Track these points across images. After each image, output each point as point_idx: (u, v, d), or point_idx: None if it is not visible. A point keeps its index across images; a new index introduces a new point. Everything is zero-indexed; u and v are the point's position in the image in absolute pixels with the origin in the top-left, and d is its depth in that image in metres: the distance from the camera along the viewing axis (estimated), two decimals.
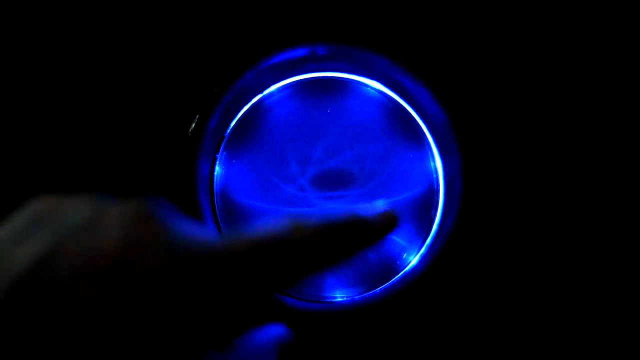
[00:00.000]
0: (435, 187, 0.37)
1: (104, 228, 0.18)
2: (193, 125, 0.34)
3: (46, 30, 0.37)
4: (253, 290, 0.19)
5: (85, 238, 0.17)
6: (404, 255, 0.36)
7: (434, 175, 0.37)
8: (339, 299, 0.35)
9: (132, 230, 0.18)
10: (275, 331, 0.26)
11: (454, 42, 0.36)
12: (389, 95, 0.37)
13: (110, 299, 0.16)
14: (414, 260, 0.36)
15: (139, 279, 0.17)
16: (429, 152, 0.37)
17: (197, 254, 0.18)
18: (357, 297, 0.35)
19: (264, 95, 0.37)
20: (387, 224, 0.25)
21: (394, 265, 0.36)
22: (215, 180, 0.36)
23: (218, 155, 0.36)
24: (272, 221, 0.20)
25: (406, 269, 0.36)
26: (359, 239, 0.23)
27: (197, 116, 0.34)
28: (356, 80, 0.37)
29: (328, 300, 0.35)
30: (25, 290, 0.16)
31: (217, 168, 0.36)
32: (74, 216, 0.18)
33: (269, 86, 0.36)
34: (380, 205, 0.26)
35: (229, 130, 0.37)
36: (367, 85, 0.37)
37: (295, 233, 0.20)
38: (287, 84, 0.37)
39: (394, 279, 0.36)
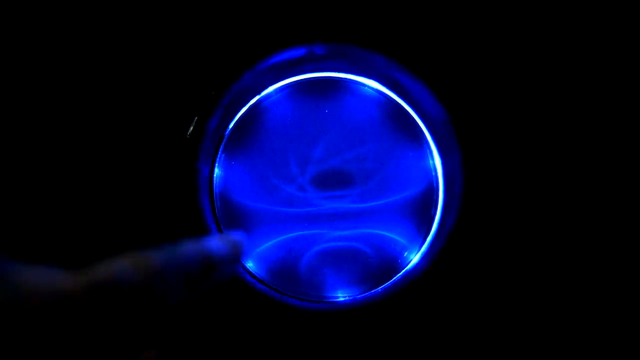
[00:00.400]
0: (435, 185, 0.37)
1: None
2: (192, 127, 0.34)
3: (45, 33, 0.37)
4: (89, 332, 0.19)
5: None
6: (405, 254, 0.36)
7: (434, 174, 0.37)
8: (341, 299, 0.35)
9: None
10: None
11: (452, 40, 0.36)
12: (387, 95, 0.37)
13: None
14: (415, 258, 0.36)
15: None
16: (428, 151, 0.37)
17: (27, 298, 0.18)
18: (358, 296, 0.35)
19: (262, 97, 0.37)
20: (232, 255, 0.25)
21: (395, 263, 0.36)
22: (215, 181, 0.36)
23: (217, 157, 0.36)
24: (117, 260, 0.20)
25: (407, 267, 0.36)
26: (204, 275, 0.23)
27: (196, 118, 0.34)
28: (354, 80, 0.37)
29: (330, 300, 0.35)
30: None
31: (216, 170, 0.36)
32: None
33: (267, 87, 0.36)
34: (225, 236, 0.26)
35: (227, 132, 0.36)
36: (365, 85, 0.37)
37: (134, 273, 0.20)
38: (285, 85, 0.37)
39: (395, 277, 0.36)
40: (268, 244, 0.36)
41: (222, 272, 0.24)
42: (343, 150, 0.36)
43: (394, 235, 0.36)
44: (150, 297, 0.20)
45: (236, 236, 0.26)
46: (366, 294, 0.35)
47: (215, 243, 0.24)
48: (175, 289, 0.21)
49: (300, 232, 0.36)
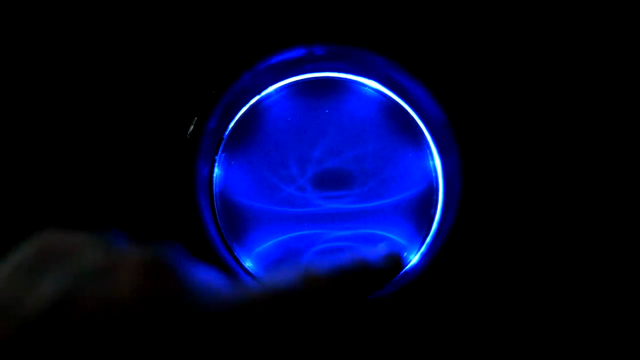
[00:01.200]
0: (434, 185, 0.37)
1: (119, 278, 0.17)
2: (192, 127, 0.34)
3: (44, 33, 0.37)
4: (268, 344, 0.19)
5: (100, 288, 0.17)
6: (405, 254, 0.36)
7: (434, 174, 0.37)
8: None
9: (148, 281, 0.17)
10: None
11: (452, 41, 0.36)
12: (387, 95, 0.37)
13: (121, 354, 0.16)
14: (414, 259, 0.36)
15: (152, 334, 0.17)
16: (428, 151, 0.37)
17: (213, 307, 0.18)
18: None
19: (262, 96, 0.37)
20: (393, 266, 0.26)
21: None
22: (214, 182, 0.36)
23: (217, 157, 0.36)
24: (283, 273, 0.21)
25: (407, 267, 0.36)
26: (368, 286, 0.24)
27: (196, 118, 0.34)
28: (354, 80, 0.37)
29: None
30: (33, 336, 0.16)
31: (216, 170, 0.36)
32: (88, 261, 0.18)
33: (267, 87, 0.36)
34: (383, 248, 0.26)
35: (227, 132, 0.37)
36: (365, 85, 0.37)
37: (308, 285, 0.20)
38: (285, 85, 0.37)
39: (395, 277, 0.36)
40: (267, 244, 0.36)
41: (380, 284, 0.24)
42: (343, 151, 0.36)
43: (393, 236, 0.36)
44: (322, 307, 0.21)
45: (393, 248, 0.27)
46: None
47: (373, 255, 0.25)
48: (341, 300, 0.21)
49: (300, 233, 0.36)
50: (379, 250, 0.26)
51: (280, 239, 0.36)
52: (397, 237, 0.36)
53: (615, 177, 0.36)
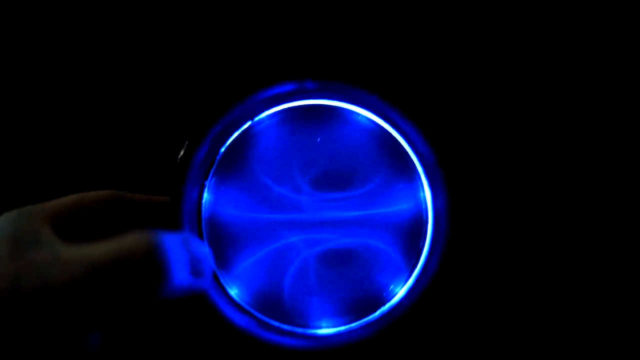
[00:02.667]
0: (424, 217, 0.36)
1: None
2: (182, 152, 0.34)
3: (30, 56, 0.37)
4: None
5: None
6: (391, 287, 0.36)
7: (424, 206, 0.37)
8: (324, 328, 0.35)
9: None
10: None
11: (444, 85, 0.36)
12: (380, 125, 0.37)
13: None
14: (400, 292, 0.36)
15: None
16: (419, 183, 0.36)
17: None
18: (342, 327, 0.35)
19: (254, 122, 0.37)
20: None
21: (380, 297, 0.36)
22: (203, 207, 0.36)
23: (207, 182, 0.36)
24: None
25: (392, 301, 0.36)
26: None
27: (187, 143, 0.34)
28: (347, 109, 0.37)
29: (312, 328, 0.35)
30: None
31: (205, 194, 0.36)
32: None
33: (259, 114, 0.36)
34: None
35: (218, 157, 0.36)
36: (358, 114, 0.37)
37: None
38: (277, 111, 0.37)
39: (379, 310, 0.36)
40: (252, 269, 0.36)
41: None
42: (333, 179, 0.36)
43: (381, 269, 0.36)
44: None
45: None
46: (350, 326, 0.35)
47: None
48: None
49: (287, 264, 0.36)
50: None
51: (265, 266, 0.36)
52: (384, 270, 0.36)
53: (604, 207, 0.36)
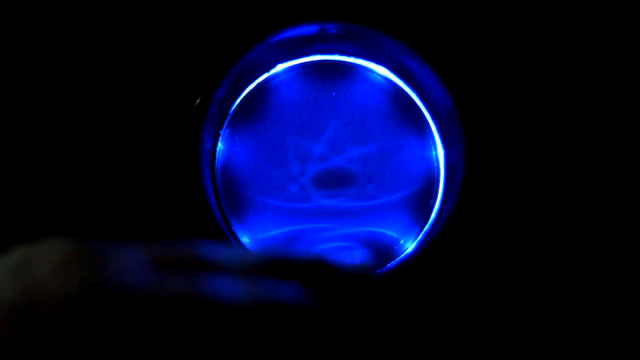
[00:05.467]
0: (435, 176, 0.37)
1: (37, 272, 0.18)
2: (199, 99, 0.34)
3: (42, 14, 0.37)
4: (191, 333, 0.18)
5: (16, 286, 0.18)
6: (402, 242, 0.36)
7: (435, 164, 0.37)
8: None
9: (65, 271, 0.18)
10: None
11: (465, 27, 0.36)
12: (394, 82, 0.37)
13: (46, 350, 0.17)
14: (410, 247, 0.36)
15: (71, 321, 0.17)
16: (432, 141, 0.37)
17: (133, 288, 0.18)
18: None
19: (270, 75, 0.37)
20: (358, 274, 0.23)
21: (390, 251, 0.36)
22: (217, 155, 0.36)
23: (221, 132, 0.36)
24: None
25: (402, 254, 0.36)
26: (323, 284, 0.21)
27: (203, 91, 0.34)
28: (362, 66, 0.37)
29: None
30: None
31: (219, 144, 0.36)
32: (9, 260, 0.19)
33: (276, 65, 0.36)
34: (357, 255, 0.25)
35: (233, 108, 0.37)
36: (373, 71, 0.37)
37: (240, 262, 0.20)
38: (293, 65, 0.37)
39: (389, 264, 0.36)
40: (264, 221, 0.36)
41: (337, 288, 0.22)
42: (347, 142, 0.37)
43: (392, 227, 0.36)
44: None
45: (367, 259, 0.25)
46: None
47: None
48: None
49: (298, 227, 0.36)
50: (351, 256, 0.24)
51: (276, 231, 0.36)
52: (395, 227, 0.36)
53: (619, 174, 0.36)
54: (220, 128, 0.36)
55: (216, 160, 0.36)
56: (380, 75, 0.37)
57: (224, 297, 0.19)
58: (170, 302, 0.18)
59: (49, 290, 0.18)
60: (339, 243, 0.36)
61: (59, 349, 0.17)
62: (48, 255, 0.18)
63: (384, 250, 0.36)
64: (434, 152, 0.37)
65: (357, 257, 0.25)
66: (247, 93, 0.37)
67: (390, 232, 0.36)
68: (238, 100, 0.37)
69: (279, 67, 0.37)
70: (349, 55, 0.37)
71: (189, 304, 0.18)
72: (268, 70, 0.37)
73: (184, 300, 0.18)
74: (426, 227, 0.37)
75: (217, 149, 0.36)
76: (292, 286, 0.21)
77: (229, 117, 0.37)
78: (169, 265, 0.19)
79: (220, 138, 0.36)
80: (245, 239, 0.36)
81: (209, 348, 0.19)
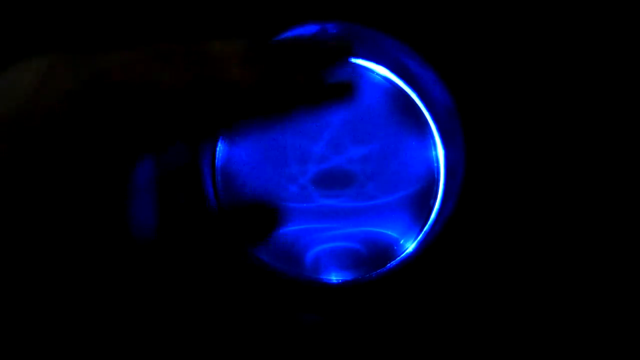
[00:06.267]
0: (435, 176, 0.37)
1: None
2: None
3: None
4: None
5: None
6: (401, 242, 0.36)
7: (435, 165, 0.37)
8: (334, 281, 0.36)
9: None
10: None
11: (465, 27, 0.36)
12: (394, 82, 0.37)
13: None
14: (410, 247, 0.36)
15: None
16: (432, 141, 0.37)
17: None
18: (350, 279, 0.36)
19: None
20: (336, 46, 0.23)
21: (390, 251, 0.36)
22: (217, 156, 0.36)
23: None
24: None
25: (402, 255, 0.36)
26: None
27: None
28: (362, 66, 0.37)
29: (323, 281, 0.36)
30: None
31: (219, 145, 0.37)
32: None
33: None
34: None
35: None
36: (373, 71, 0.37)
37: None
38: None
39: (389, 264, 0.36)
40: None
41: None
42: (347, 142, 0.37)
43: (392, 227, 0.36)
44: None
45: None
46: (359, 277, 0.36)
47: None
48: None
49: (298, 227, 0.36)
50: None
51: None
52: (395, 227, 0.36)
53: (619, 174, 0.36)
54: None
55: (216, 160, 0.36)
56: (380, 75, 0.37)
57: (228, 78, 0.19)
58: (175, 87, 0.18)
59: (36, 99, 0.17)
60: (339, 243, 0.36)
61: (55, 154, 0.17)
62: (31, 69, 0.18)
63: (384, 250, 0.36)
64: (434, 152, 0.37)
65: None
66: None
67: (390, 232, 0.37)
68: None
69: None
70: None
71: (195, 84, 0.18)
72: None
73: (189, 80, 0.18)
74: (426, 227, 0.37)
75: (217, 149, 0.36)
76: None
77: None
78: (165, 58, 0.19)
79: (220, 138, 0.36)
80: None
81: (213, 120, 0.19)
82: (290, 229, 0.36)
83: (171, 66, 0.19)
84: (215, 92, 0.19)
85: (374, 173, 0.36)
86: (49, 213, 0.17)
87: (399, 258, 0.36)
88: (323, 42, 0.22)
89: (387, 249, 0.36)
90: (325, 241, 0.36)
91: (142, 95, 0.18)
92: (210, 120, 0.19)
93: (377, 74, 0.37)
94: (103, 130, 0.18)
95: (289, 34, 0.32)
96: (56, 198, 0.17)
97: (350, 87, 0.23)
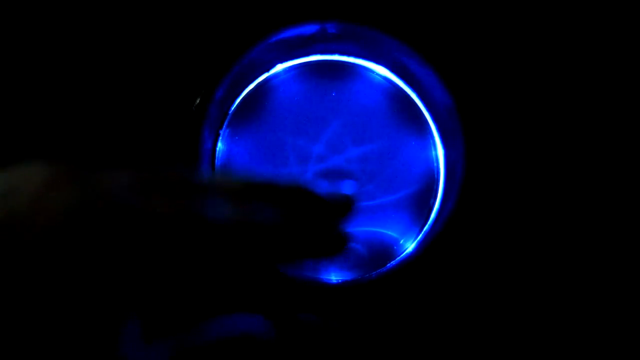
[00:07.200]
0: (435, 176, 0.37)
1: (21, 192, 0.18)
2: (199, 99, 0.34)
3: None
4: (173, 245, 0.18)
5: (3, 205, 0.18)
6: (401, 242, 0.36)
7: (435, 164, 0.37)
8: (334, 281, 0.36)
9: (46, 190, 0.18)
10: (248, 324, 0.26)
11: (465, 27, 0.36)
12: (394, 82, 0.37)
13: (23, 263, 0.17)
14: (410, 247, 0.36)
15: (54, 239, 0.17)
16: (431, 140, 0.37)
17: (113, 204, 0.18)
18: (351, 279, 0.36)
19: (270, 75, 0.37)
20: (337, 203, 0.23)
21: (390, 251, 0.36)
22: (217, 155, 0.36)
23: (221, 132, 0.36)
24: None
25: (402, 255, 0.36)
26: (299, 210, 0.21)
27: (203, 91, 0.34)
28: (362, 66, 0.37)
29: (323, 281, 0.36)
30: None
31: (219, 144, 0.37)
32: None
33: (275, 65, 0.37)
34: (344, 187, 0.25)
35: (233, 107, 0.37)
36: (373, 71, 0.37)
37: (222, 181, 0.20)
38: (293, 65, 0.37)
39: (389, 264, 0.36)
40: None
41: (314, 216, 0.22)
42: (346, 142, 0.37)
43: (392, 227, 0.36)
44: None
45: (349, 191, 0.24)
46: (359, 277, 0.35)
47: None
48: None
49: None
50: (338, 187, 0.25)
51: None
52: (394, 227, 0.36)
53: (619, 174, 0.36)
54: (220, 128, 0.36)
55: (216, 160, 0.36)
56: (380, 75, 0.37)
57: (211, 216, 0.19)
58: (161, 218, 0.18)
59: (38, 209, 0.17)
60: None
61: (50, 266, 0.17)
62: (34, 176, 0.18)
63: (384, 250, 0.36)
64: (434, 152, 0.37)
65: (344, 187, 0.25)
66: (247, 93, 0.37)
67: (390, 232, 0.37)
68: (238, 100, 0.37)
69: (279, 67, 0.37)
70: (349, 55, 0.37)
71: (179, 219, 0.18)
72: (268, 70, 0.37)
73: (174, 215, 0.18)
74: (426, 227, 0.37)
75: (217, 149, 0.36)
76: (276, 209, 0.21)
77: (229, 117, 0.37)
78: (158, 187, 0.19)
79: (220, 138, 0.37)
80: None
81: (196, 261, 0.19)
82: None
83: (160, 198, 0.19)
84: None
85: (373, 173, 0.36)
86: (33, 326, 0.17)
87: (398, 258, 0.36)
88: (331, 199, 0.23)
89: (387, 249, 0.36)
90: None
91: (142, 226, 0.18)
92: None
93: (377, 74, 0.37)
94: (93, 252, 0.18)
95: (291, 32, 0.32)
96: (40, 312, 0.17)
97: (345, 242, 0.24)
